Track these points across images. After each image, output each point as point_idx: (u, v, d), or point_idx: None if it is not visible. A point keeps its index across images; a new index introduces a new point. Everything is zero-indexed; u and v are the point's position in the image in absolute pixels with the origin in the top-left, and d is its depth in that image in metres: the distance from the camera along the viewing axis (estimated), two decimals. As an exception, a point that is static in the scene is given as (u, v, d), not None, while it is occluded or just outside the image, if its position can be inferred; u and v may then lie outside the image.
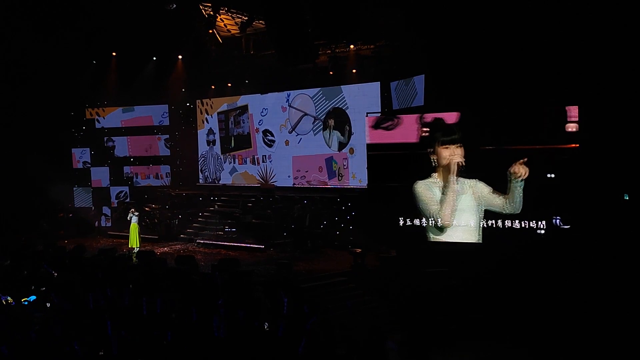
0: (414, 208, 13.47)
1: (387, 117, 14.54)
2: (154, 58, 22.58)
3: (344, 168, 20.40)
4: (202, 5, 20.01)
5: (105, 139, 24.19)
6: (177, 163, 24.71)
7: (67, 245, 17.87)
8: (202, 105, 24.73)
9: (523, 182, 12.11)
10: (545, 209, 12.32)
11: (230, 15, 20.52)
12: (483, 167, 12.67)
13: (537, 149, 12.27)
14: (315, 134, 21.16)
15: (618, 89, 11.96)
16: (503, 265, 12.26)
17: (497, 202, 12.37)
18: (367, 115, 14.80)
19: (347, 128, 20.22)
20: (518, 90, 12.91)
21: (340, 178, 20.47)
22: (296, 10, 13.24)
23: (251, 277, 13.59)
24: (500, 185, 12.60)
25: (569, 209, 12.21)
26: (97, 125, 24.20)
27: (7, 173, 20.26)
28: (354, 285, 14.15)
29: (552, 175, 12.24)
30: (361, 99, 19.63)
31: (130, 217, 18.41)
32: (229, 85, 23.74)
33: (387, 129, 14.13)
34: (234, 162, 23.84)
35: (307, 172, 21.46)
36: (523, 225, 12.45)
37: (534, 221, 12.38)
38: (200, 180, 24.87)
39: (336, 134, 20.54)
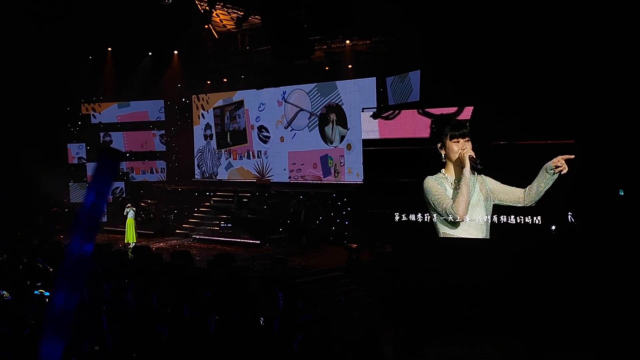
0: (410, 203, 13.42)
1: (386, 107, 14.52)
2: (150, 53, 22.54)
3: (340, 165, 20.39)
4: (198, 0, 19.99)
5: (102, 134, 24.14)
6: (172, 158, 24.69)
7: (63, 240, 17.86)
8: (198, 101, 24.66)
9: (557, 176, 11.98)
10: (557, 206, 12.34)
11: (226, 11, 20.51)
12: (492, 163, 12.59)
13: (542, 145, 12.28)
14: (310, 130, 21.15)
15: (618, 89, 12.01)
16: (508, 261, 12.28)
17: (511, 196, 12.10)
18: (362, 111, 14.83)
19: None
20: (516, 87, 12.93)
21: (336, 174, 20.44)
22: (292, 6, 13.24)
23: (247, 272, 13.63)
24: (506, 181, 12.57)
25: (577, 205, 12.26)
26: (93, 121, 24.14)
27: (2, 168, 20.21)
28: (349, 280, 14.21)
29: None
30: (357, 94, 19.60)
31: (127, 213, 18.41)
32: (225, 80, 23.70)
33: (387, 118, 14.17)
34: (230, 158, 23.84)
35: (302, 165, 21.41)
36: (535, 221, 12.48)
37: (539, 217, 12.43)
38: (197, 176, 24.82)
39: (338, 129, 20.52)
